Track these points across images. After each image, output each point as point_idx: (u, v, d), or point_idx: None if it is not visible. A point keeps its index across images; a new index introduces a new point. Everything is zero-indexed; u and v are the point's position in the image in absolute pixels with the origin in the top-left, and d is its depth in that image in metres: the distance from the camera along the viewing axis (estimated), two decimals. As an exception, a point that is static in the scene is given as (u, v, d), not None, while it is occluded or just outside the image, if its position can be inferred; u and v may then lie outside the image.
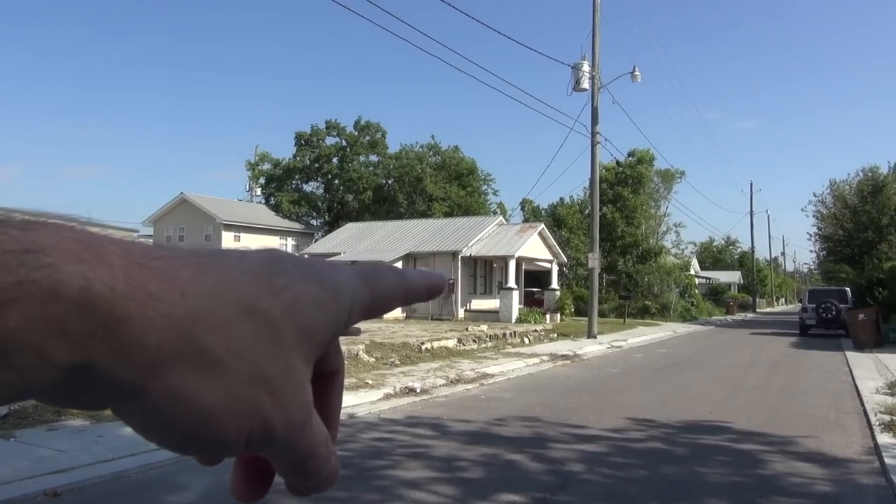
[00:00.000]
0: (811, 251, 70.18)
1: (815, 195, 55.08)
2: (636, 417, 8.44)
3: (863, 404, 9.56)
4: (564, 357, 15.89)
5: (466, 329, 18.75)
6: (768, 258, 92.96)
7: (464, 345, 16.55)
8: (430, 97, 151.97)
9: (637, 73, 22.20)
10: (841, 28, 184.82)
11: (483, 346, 17.23)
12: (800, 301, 31.06)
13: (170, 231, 40.97)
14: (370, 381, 10.56)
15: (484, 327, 19.25)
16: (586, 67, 21.87)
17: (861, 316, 20.12)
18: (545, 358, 15.37)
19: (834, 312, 24.92)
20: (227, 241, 38.74)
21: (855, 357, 16.98)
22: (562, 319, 30.62)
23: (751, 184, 66.18)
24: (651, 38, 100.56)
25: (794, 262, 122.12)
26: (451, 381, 11.35)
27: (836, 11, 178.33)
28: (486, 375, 12.33)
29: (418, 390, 10.21)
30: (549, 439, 7.14)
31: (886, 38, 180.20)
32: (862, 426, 8.15)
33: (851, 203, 44.45)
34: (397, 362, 13.19)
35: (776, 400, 10.13)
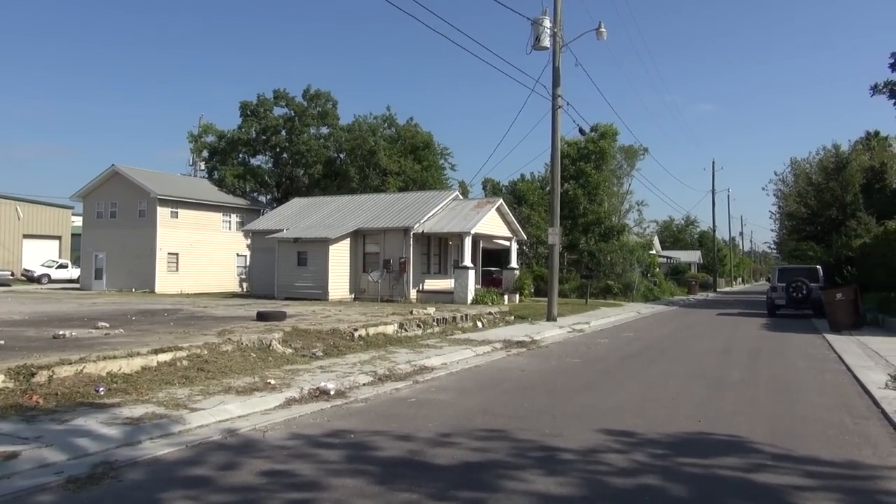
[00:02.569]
0: (772, 230, 70.03)
1: (776, 174, 54.63)
2: (607, 430, 6.47)
3: (878, 405, 7.78)
4: (520, 344, 13.93)
5: (411, 312, 16.63)
6: (727, 238, 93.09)
7: (406, 331, 14.45)
8: (388, 70, 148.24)
9: (603, 29, 20.15)
10: (796, 12, 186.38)
11: (429, 331, 15.15)
12: (767, 280, 29.73)
13: (101, 206, 37.72)
14: (273, 381, 8.37)
15: (431, 310, 17.16)
16: (547, 23, 19.75)
17: (839, 295, 18.66)
18: (498, 345, 13.38)
19: (805, 292, 23.58)
20: (163, 216, 35.77)
21: (837, 341, 15.44)
22: (521, 300, 28.80)
23: (713, 162, 65.40)
24: (621, 13, 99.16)
25: (751, 241, 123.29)
26: (379, 379, 9.25)
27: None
28: (423, 369, 10.25)
29: (332, 392, 8.08)
30: (489, 470, 5.10)
31: (840, 22, 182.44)
32: (893, 438, 6.33)
33: (815, 180, 43.60)
34: (320, 354, 11.02)
35: (772, 399, 8.30)
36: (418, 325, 15.10)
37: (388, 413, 7.23)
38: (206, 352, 9.62)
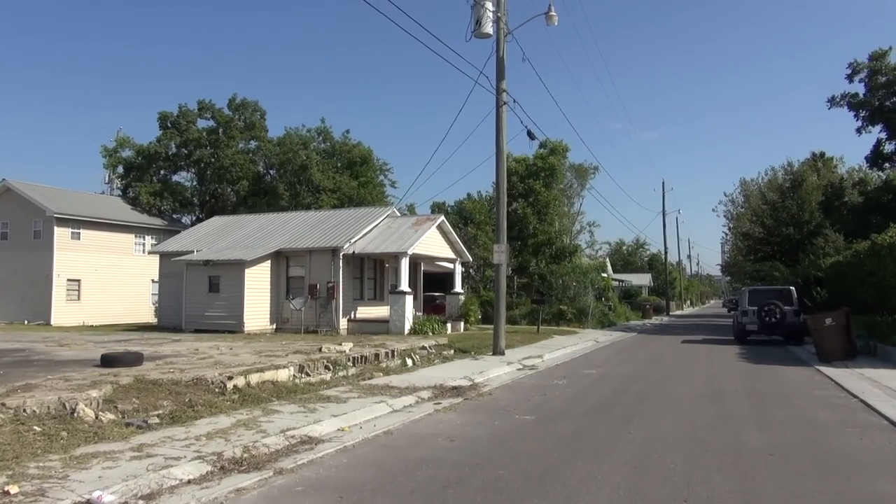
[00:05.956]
0: (724, 252, 69.20)
1: (725, 195, 53.47)
2: None
3: None
4: (455, 391, 10.65)
5: (320, 349, 13.17)
6: (677, 260, 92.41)
7: (308, 375, 11.01)
8: (320, 74, 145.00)
9: (553, 13, 17.40)
10: (733, 34, 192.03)
11: (340, 374, 11.74)
12: (730, 304, 27.28)
13: (-10, 226, 33.11)
14: (16, 488, 4.87)
15: (347, 346, 13.73)
16: (490, 5, 16.92)
17: (828, 321, 16.08)
18: (425, 395, 10.07)
19: (779, 316, 21.11)
20: (62, 238, 31.40)
21: (839, 376, 12.75)
22: (466, 328, 25.65)
23: (662, 182, 64.22)
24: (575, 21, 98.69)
25: (697, 264, 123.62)
26: (221, 468, 5.83)
27: (730, 16, 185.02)
28: (304, 442, 6.88)
29: (109, 510, 4.65)
30: None
31: (782, 40, 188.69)
32: None
33: (770, 199, 42.12)
34: (157, 420, 7.52)
35: (836, 494, 5.26)
36: (326, 367, 11.67)
37: (179, 564, 3.85)
38: (-57, 429, 6.06)
